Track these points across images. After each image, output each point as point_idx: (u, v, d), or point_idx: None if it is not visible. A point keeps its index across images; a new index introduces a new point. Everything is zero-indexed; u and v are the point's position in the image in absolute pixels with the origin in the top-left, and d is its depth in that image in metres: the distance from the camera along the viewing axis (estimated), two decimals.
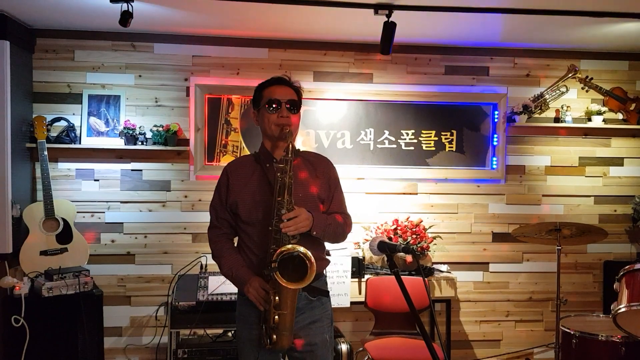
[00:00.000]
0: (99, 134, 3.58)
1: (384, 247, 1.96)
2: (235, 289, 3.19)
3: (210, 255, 2.20)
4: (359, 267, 3.54)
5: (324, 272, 2.19)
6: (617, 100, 3.94)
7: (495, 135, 3.90)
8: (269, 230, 1.95)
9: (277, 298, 1.93)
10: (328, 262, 2.20)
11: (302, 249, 1.89)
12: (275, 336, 1.95)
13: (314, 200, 2.10)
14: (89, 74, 3.60)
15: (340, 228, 2.13)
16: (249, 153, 2.29)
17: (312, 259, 1.88)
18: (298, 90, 2.16)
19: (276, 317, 1.93)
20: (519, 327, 4.00)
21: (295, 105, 2.10)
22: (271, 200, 1.99)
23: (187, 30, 3.58)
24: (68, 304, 3.17)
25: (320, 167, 2.17)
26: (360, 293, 3.52)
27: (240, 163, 2.19)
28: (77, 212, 3.53)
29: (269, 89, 2.12)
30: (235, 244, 2.20)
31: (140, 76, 3.65)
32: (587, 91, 3.92)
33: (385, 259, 3.59)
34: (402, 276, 1.95)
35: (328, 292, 2.15)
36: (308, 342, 2.07)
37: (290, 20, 3.29)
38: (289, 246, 1.90)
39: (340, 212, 2.16)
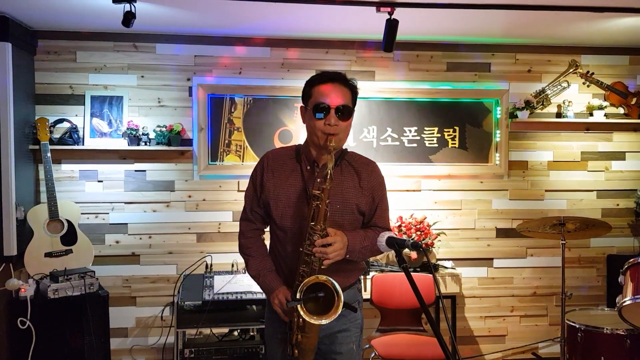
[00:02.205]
0: (102, 135, 3.58)
1: (392, 243, 1.93)
2: (241, 288, 3.26)
3: (238, 250, 2.07)
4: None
5: (359, 278, 2.08)
6: (618, 94, 3.95)
7: (498, 131, 3.91)
8: (300, 252, 1.84)
9: (301, 320, 1.83)
10: (362, 270, 2.07)
11: (334, 283, 1.77)
12: (297, 352, 1.89)
13: (353, 213, 1.94)
14: (91, 75, 3.60)
15: (377, 246, 1.94)
16: (288, 145, 2.11)
17: (341, 294, 1.77)
18: (354, 90, 1.91)
19: (299, 336, 1.86)
20: (524, 322, 4.01)
21: (346, 112, 1.86)
22: (306, 208, 1.86)
23: (189, 30, 3.58)
24: (74, 306, 3.16)
25: (365, 175, 1.96)
26: (365, 290, 3.52)
27: (279, 156, 1.99)
28: (82, 214, 3.53)
29: (319, 87, 1.87)
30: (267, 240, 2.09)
31: (142, 77, 3.65)
32: (588, 86, 3.93)
33: (391, 254, 3.61)
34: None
35: (356, 308, 1.97)
36: (332, 350, 1.98)
37: (292, 18, 3.30)
38: (317, 277, 1.79)
39: (381, 227, 1.99)
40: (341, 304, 1.77)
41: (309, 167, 1.94)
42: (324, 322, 1.79)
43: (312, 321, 1.78)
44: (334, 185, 1.85)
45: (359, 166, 1.98)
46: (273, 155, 2.01)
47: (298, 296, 1.77)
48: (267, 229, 2.08)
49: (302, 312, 1.78)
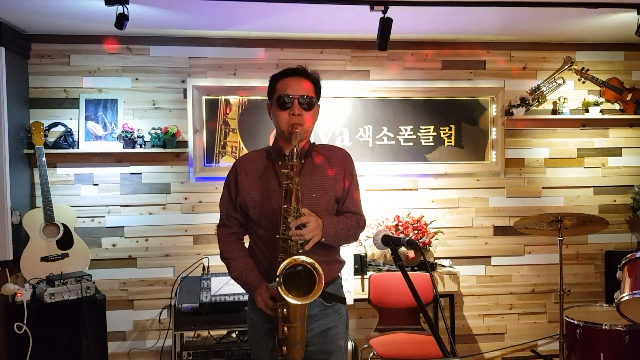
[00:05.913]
0: (97, 138, 3.57)
1: (388, 241, 1.93)
2: (239, 290, 3.25)
3: (219, 256, 2.07)
4: (361, 264, 3.53)
5: (339, 275, 2.05)
6: (613, 90, 3.95)
7: (494, 129, 3.91)
8: (277, 238, 1.81)
9: (284, 310, 1.79)
10: (342, 264, 2.05)
11: (308, 260, 1.73)
12: (285, 348, 1.84)
13: (329, 201, 1.95)
14: (85, 78, 3.59)
15: (352, 231, 1.97)
16: (260, 148, 2.13)
17: (320, 270, 1.72)
18: (316, 83, 1.98)
19: (285, 329, 1.81)
20: (523, 320, 4.01)
21: (309, 102, 1.92)
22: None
23: (182, 31, 3.57)
24: (71, 310, 3.15)
25: (335, 162, 1.99)
26: (363, 290, 3.52)
27: (250, 159, 2.03)
28: (77, 217, 3.52)
29: (282, 81, 1.96)
30: (247, 244, 2.08)
31: (137, 79, 3.64)
32: (583, 82, 3.94)
33: (388, 254, 3.61)
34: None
35: (344, 299, 1.99)
36: (323, 350, 1.96)
37: (286, 19, 3.29)
38: (295, 258, 1.74)
39: (353, 212, 2.00)
40: (322, 281, 1.72)
41: (280, 163, 1.95)
42: (308, 302, 1.74)
43: (296, 301, 1.71)
44: (307, 175, 1.90)
45: (329, 153, 2.03)
46: (244, 158, 2.06)
47: (278, 280, 1.71)
48: (246, 236, 2.07)
49: (283, 294, 1.70)
